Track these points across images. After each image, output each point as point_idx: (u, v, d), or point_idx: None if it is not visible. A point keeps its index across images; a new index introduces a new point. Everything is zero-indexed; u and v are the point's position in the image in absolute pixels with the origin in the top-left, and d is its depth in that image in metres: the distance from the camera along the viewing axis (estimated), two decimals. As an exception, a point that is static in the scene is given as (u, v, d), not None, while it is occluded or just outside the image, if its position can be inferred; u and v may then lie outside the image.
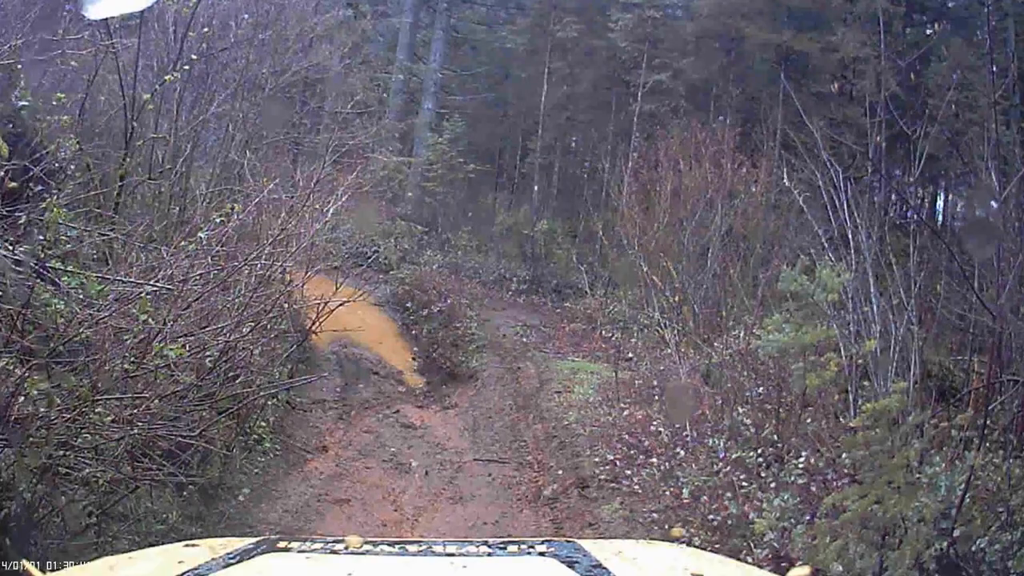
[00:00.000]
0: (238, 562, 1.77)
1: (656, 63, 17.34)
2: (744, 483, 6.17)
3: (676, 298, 11.21)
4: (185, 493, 5.59)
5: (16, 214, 4.47)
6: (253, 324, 5.97)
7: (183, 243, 5.18)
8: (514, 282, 17.02)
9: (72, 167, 5.62)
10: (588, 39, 18.70)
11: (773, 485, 5.99)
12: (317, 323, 7.91)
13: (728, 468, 6.49)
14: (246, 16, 10.42)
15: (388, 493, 7.35)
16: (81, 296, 4.32)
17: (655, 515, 6.41)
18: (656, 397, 8.72)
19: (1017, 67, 10.76)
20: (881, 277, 6.34)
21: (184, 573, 1.69)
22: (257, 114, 10.25)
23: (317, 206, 7.47)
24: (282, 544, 1.93)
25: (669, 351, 9.57)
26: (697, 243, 12.15)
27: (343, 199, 7.81)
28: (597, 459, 7.69)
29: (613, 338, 11.96)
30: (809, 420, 6.69)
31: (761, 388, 7.52)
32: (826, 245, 6.82)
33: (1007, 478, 4.95)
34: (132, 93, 6.64)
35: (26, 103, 4.98)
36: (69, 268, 4.54)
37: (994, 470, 5.26)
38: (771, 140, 14.16)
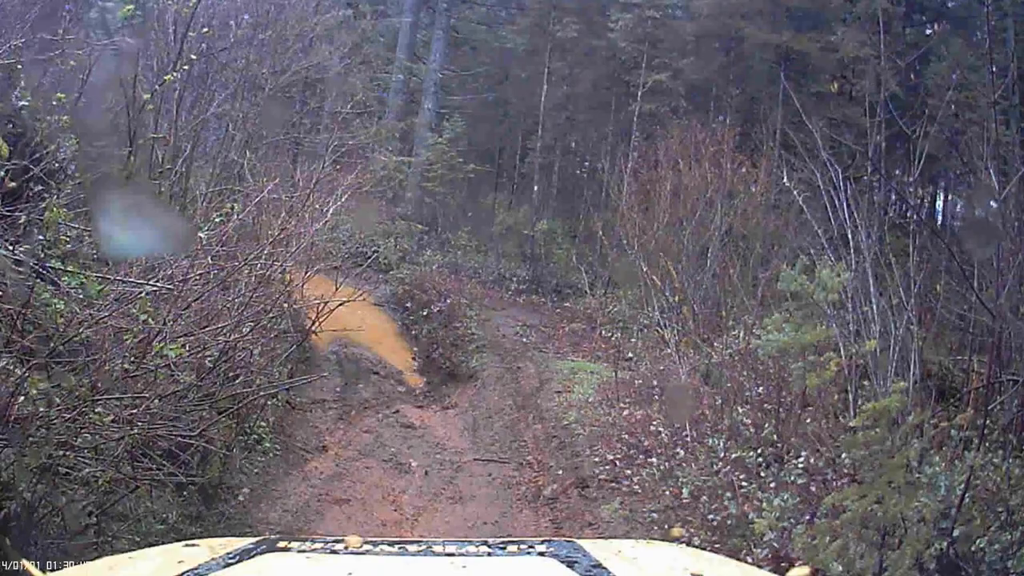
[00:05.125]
0: (238, 562, 1.77)
1: (656, 63, 17.34)
2: (744, 483, 6.17)
3: (676, 298, 11.21)
4: (185, 493, 5.60)
5: (16, 214, 4.46)
6: (253, 324, 5.97)
7: (183, 243, 5.17)
8: (514, 282, 17.03)
9: (72, 167, 5.62)
10: (588, 39, 18.70)
11: (773, 485, 5.99)
12: (317, 323, 7.91)
13: (728, 468, 6.49)
14: (246, 16, 10.43)
15: (388, 493, 7.35)
16: (81, 296, 4.32)
17: (655, 515, 6.42)
18: (656, 397, 8.72)
19: (1017, 67, 10.75)
20: (881, 277, 6.35)
21: (184, 573, 1.69)
22: (257, 114, 10.26)
23: (317, 206, 7.48)
24: (282, 544, 1.93)
25: (669, 351, 9.57)
26: (697, 243, 12.14)
27: (343, 199, 7.81)
28: (597, 459, 7.69)
29: (613, 338, 11.96)
30: (809, 420, 6.69)
31: (761, 388, 7.53)
32: (826, 245, 6.83)
33: (1007, 478, 4.95)
34: (132, 93, 6.64)
35: (26, 103, 4.98)
36: (69, 268, 4.53)
37: (994, 470, 5.26)
38: (771, 140, 14.16)
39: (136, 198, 5.47)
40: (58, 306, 4.35)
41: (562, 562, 1.78)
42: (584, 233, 18.14)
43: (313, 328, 8.07)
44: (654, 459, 7.19)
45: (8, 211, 4.44)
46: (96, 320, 4.18)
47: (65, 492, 4.27)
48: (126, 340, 4.33)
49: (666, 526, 6.04)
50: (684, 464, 6.89)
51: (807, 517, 5.24)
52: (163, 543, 2.43)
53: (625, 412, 8.63)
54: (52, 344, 4.03)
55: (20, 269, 4.24)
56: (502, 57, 21.39)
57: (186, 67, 7.17)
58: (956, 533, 4.50)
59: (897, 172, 13.25)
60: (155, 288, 4.59)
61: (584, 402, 9.49)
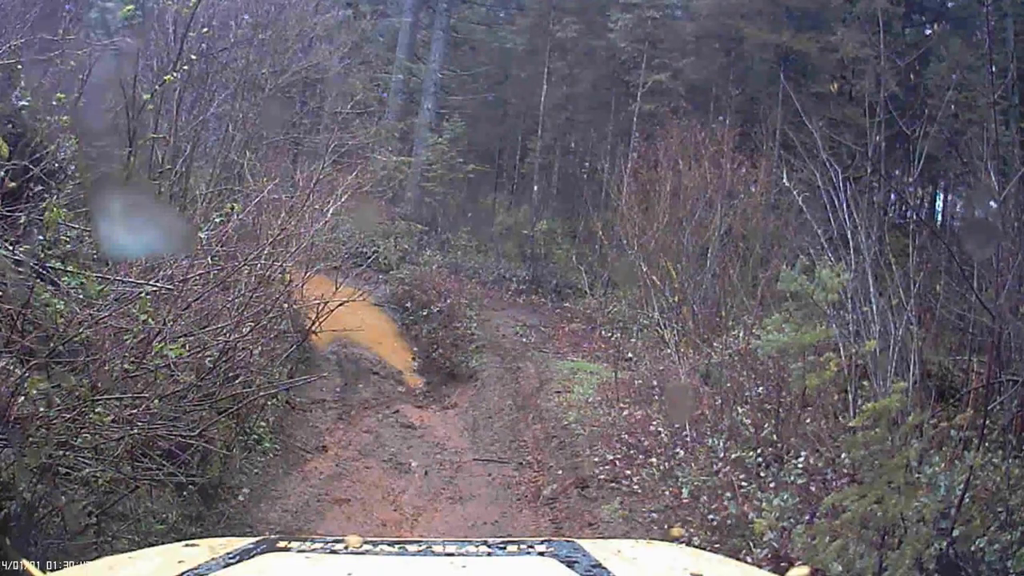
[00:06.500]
0: (238, 562, 1.78)
1: (656, 63, 17.35)
2: (743, 483, 6.17)
3: (676, 298, 11.22)
4: (185, 493, 5.59)
5: (16, 214, 4.47)
6: (253, 324, 5.97)
7: (183, 243, 5.17)
8: (514, 282, 17.04)
9: (72, 167, 5.63)
10: (588, 39, 18.72)
11: (772, 485, 5.99)
12: (317, 323, 7.91)
13: (727, 468, 6.49)
14: (246, 16, 10.43)
15: (388, 493, 7.35)
16: (81, 296, 4.32)
17: (655, 515, 6.42)
18: (656, 397, 8.72)
19: (1016, 67, 10.78)
20: (881, 277, 6.35)
21: (184, 573, 1.69)
22: (257, 114, 10.26)
23: (317, 206, 7.48)
24: (282, 544, 1.93)
25: (669, 351, 9.57)
26: (697, 243, 12.16)
27: (343, 199, 7.81)
28: (596, 459, 7.69)
29: (613, 338, 11.96)
30: (809, 420, 6.69)
31: (761, 388, 7.52)
32: (826, 245, 6.83)
33: (1006, 478, 4.95)
34: (132, 93, 6.65)
35: (26, 103, 4.98)
36: (69, 268, 4.54)
37: (993, 470, 5.27)
38: (771, 140, 14.18)
39: (136, 198, 5.46)
40: (58, 306, 4.35)
41: (562, 562, 1.78)
42: (584, 233, 18.15)
43: (313, 328, 8.07)
44: (654, 459, 7.19)
45: (8, 211, 4.44)
46: (96, 320, 4.18)
47: (65, 492, 4.26)
48: (126, 340, 4.32)
49: (666, 526, 6.04)
50: (684, 464, 6.89)
51: (807, 517, 5.24)
52: (163, 543, 2.43)
53: (625, 412, 8.63)
54: (52, 344, 4.03)
55: (20, 269, 4.24)
56: (502, 57, 21.40)
57: (186, 67, 7.17)
58: (956, 533, 4.50)
59: (897, 172, 13.26)
60: (155, 288, 4.59)
61: (584, 402, 9.49)
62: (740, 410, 7.38)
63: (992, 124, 7.65)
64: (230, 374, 5.76)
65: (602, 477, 7.31)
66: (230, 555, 1.83)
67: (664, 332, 10.38)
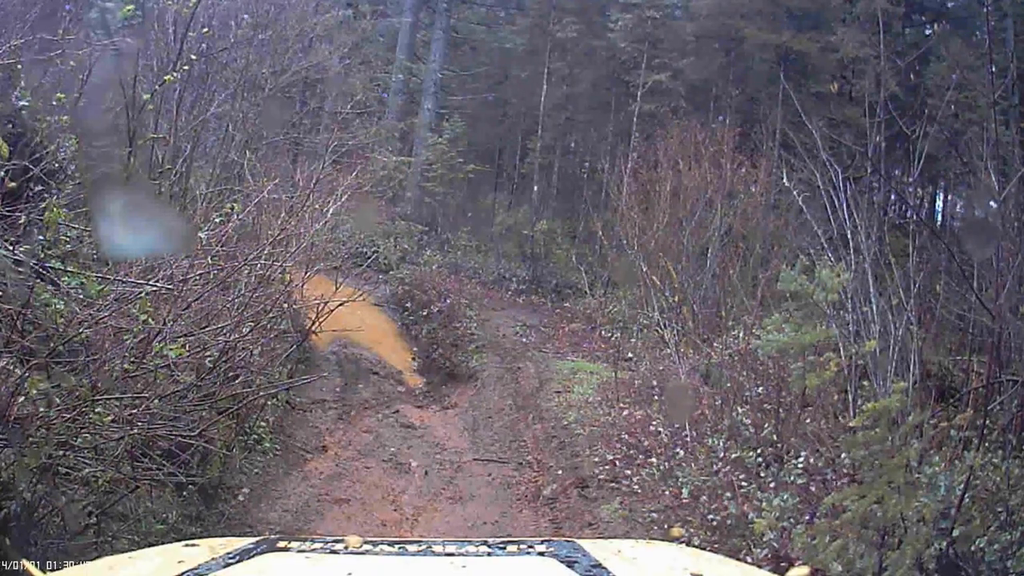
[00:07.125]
0: (238, 562, 1.78)
1: (656, 63, 17.35)
2: (743, 483, 6.17)
3: (676, 298, 11.22)
4: (185, 493, 5.60)
5: (16, 214, 4.46)
6: (253, 324, 5.97)
7: (183, 243, 5.17)
8: (514, 282, 17.04)
9: (72, 167, 5.63)
10: (588, 39, 18.72)
11: (772, 485, 5.99)
12: (317, 323, 7.92)
13: (727, 468, 6.49)
14: (246, 16, 10.42)
15: (388, 493, 7.35)
16: (81, 296, 4.32)
17: (655, 515, 6.42)
18: (656, 397, 8.72)
19: (1016, 67, 10.78)
20: (880, 277, 6.35)
21: (184, 573, 1.69)
22: (257, 114, 10.26)
23: (317, 206, 7.49)
24: (282, 544, 1.94)
25: (669, 351, 9.57)
26: (697, 243, 12.16)
27: (343, 199, 7.82)
28: (596, 459, 7.69)
29: (613, 338, 11.97)
30: (809, 420, 6.69)
31: (761, 388, 7.53)
32: (825, 245, 6.83)
33: (1006, 478, 4.95)
34: (132, 93, 6.64)
35: (26, 103, 4.98)
36: (69, 268, 4.53)
37: (993, 470, 5.27)
38: (771, 140, 14.18)
39: (136, 198, 5.47)
40: (58, 306, 4.34)
41: (562, 562, 1.78)
42: (584, 233, 18.14)
43: (313, 328, 8.07)
44: (654, 459, 7.19)
45: (8, 211, 4.44)
46: (96, 320, 4.18)
47: (65, 492, 4.27)
48: (126, 340, 4.32)
49: (666, 526, 6.04)
50: (684, 464, 6.89)
51: (807, 517, 5.24)
52: (163, 543, 2.43)
53: (625, 412, 8.63)
54: (52, 344, 4.03)
55: (20, 269, 4.24)
56: (502, 57, 21.40)
57: (186, 67, 7.16)
58: (956, 533, 4.50)
59: (897, 172, 13.27)
60: (155, 288, 4.59)
61: (584, 402, 9.49)
62: (740, 410, 7.38)
63: (992, 124, 7.65)
64: (230, 374, 5.77)
65: (602, 477, 7.31)
66: (230, 555, 1.83)
67: (664, 332, 10.38)
